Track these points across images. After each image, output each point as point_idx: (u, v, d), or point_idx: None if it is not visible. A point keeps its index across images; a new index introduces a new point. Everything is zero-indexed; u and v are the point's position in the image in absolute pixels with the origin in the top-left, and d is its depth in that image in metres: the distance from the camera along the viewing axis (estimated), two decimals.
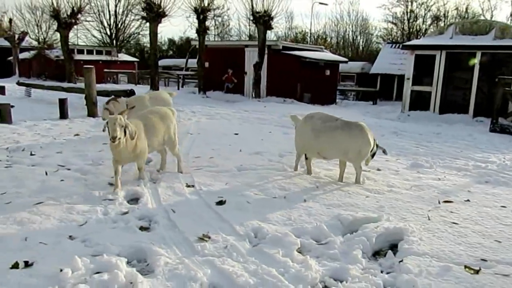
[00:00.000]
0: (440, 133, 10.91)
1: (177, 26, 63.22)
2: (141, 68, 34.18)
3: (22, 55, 32.55)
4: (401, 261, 3.35)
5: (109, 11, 41.53)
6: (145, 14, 19.58)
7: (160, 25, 19.79)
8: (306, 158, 6.04)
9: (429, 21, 39.00)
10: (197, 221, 4.18)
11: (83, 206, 4.53)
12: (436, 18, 38.42)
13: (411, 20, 39.36)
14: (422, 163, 6.86)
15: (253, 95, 19.30)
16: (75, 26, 23.75)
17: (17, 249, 3.52)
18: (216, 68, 20.47)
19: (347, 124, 5.60)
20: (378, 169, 6.38)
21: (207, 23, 21.17)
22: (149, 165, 6.37)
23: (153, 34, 19.75)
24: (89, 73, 12.20)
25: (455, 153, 8.10)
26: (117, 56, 33.66)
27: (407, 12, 39.14)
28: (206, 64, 20.82)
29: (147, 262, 3.41)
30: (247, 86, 20.27)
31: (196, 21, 20.75)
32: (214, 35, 42.56)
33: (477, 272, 3.19)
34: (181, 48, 43.36)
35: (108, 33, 42.24)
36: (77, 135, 8.75)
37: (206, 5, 20.39)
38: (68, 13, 22.20)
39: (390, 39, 38.70)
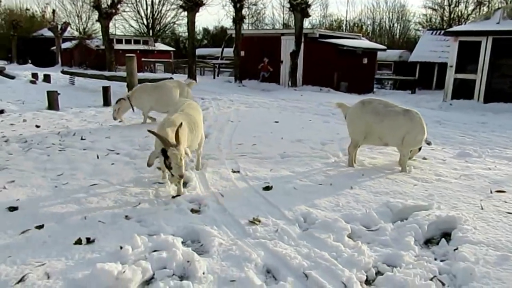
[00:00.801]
0: (486, 122, 10.53)
1: (213, 15, 63.43)
2: (177, 57, 34.68)
3: (64, 45, 33.76)
4: (456, 249, 3.30)
5: (146, 1, 42.23)
6: (183, 3, 19.74)
7: (196, 14, 19.95)
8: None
9: (471, 7, 37.38)
10: (245, 205, 4.26)
11: (135, 188, 4.71)
12: (479, 3, 36.68)
13: (452, 6, 37.83)
14: (470, 152, 6.66)
15: (289, 84, 19.22)
16: (114, 16, 24.26)
17: (78, 226, 3.71)
18: (252, 57, 20.49)
19: (407, 110, 5.60)
20: (424, 158, 6.26)
21: (243, 11, 21.15)
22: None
23: (191, 23, 19.92)
24: (131, 61, 12.51)
25: (505, 142, 7.81)
26: (154, 46, 34.26)
27: None
28: (242, 53, 20.87)
29: (201, 243, 3.51)
30: (283, 75, 20.20)
31: (232, 9, 20.79)
32: (249, 23, 42.45)
33: None
34: (215, 37, 43.53)
35: (145, 23, 42.98)
36: (121, 121, 9.02)
37: None
38: (109, 4, 22.77)
39: (429, 25, 37.35)
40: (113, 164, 5.62)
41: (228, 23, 52.14)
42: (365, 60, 20.24)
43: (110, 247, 3.31)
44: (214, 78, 24.65)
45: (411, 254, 3.26)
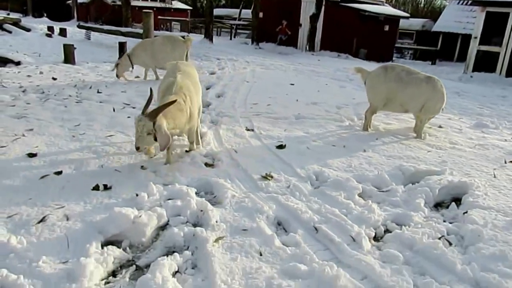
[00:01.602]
0: (506, 96, 10.31)
1: None
2: (194, 16, 34.14)
3: (80, 0, 33.37)
4: (466, 212, 3.33)
5: None
6: None
7: None
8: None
9: None
10: (259, 161, 4.31)
11: None
12: None
13: None
14: (487, 123, 6.58)
15: (307, 48, 18.90)
16: None
17: (95, 174, 3.81)
18: (270, 19, 20.08)
19: (429, 77, 5.52)
20: (440, 126, 6.20)
21: None
22: (209, 108, 6.54)
23: None
24: (148, 18, 12.38)
25: None
26: (171, 4, 33.73)
27: None
28: (260, 15, 20.45)
29: (214, 194, 3.59)
30: (300, 38, 19.84)
31: None
32: None
33: None
34: None
35: None
36: (137, 77, 9.05)
37: None
38: None
39: None
40: (129, 117, 5.69)
41: None
42: (387, 28, 19.72)
43: (126, 194, 3.42)
44: (230, 39, 24.34)
45: (420, 215, 3.30)
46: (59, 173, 3.77)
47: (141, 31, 13.39)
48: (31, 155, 4.13)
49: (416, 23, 26.40)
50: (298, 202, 3.43)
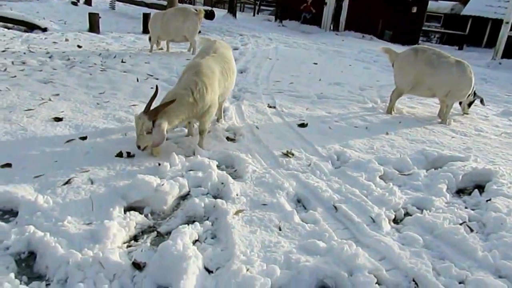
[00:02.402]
0: None
1: None
2: None
3: None
4: (489, 200, 3.28)
5: None
6: None
7: None
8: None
9: None
10: (280, 138, 4.31)
11: None
12: None
13: None
14: None
15: (331, 28, 18.56)
16: None
17: (119, 142, 3.87)
18: None
19: (459, 62, 5.41)
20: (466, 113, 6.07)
21: None
22: None
23: None
24: None
25: None
26: None
27: None
28: None
29: (235, 168, 3.61)
30: (325, 17, 19.44)
31: None
32: None
33: None
34: None
35: None
36: (161, 49, 9.04)
37: None
38: None
39: None
40: (152, 88, 5.71)
41: None
42: (414, 9, 19.13)
43: (149, 163, 3.46)
44: (254, 15, 24.04)
45: (442, 200, 3.27)
46: (84, 138, 3.84)
47: (165, 2, 13.31)
48: (57, 119, 4.21)
49: (444, 6, 25.56)
50: (319, 180, 3.43)
